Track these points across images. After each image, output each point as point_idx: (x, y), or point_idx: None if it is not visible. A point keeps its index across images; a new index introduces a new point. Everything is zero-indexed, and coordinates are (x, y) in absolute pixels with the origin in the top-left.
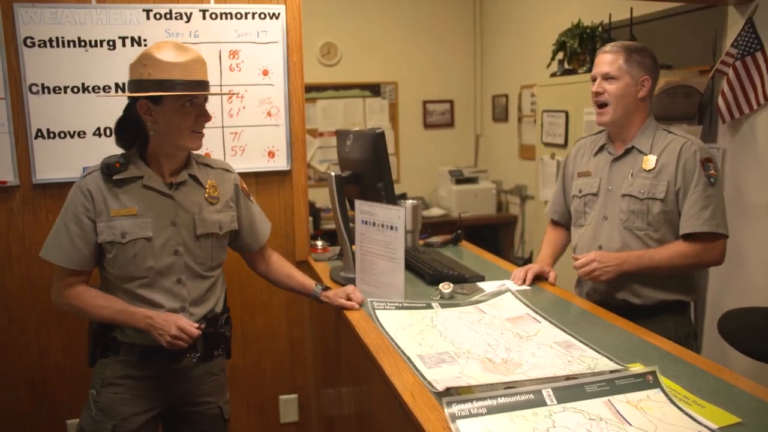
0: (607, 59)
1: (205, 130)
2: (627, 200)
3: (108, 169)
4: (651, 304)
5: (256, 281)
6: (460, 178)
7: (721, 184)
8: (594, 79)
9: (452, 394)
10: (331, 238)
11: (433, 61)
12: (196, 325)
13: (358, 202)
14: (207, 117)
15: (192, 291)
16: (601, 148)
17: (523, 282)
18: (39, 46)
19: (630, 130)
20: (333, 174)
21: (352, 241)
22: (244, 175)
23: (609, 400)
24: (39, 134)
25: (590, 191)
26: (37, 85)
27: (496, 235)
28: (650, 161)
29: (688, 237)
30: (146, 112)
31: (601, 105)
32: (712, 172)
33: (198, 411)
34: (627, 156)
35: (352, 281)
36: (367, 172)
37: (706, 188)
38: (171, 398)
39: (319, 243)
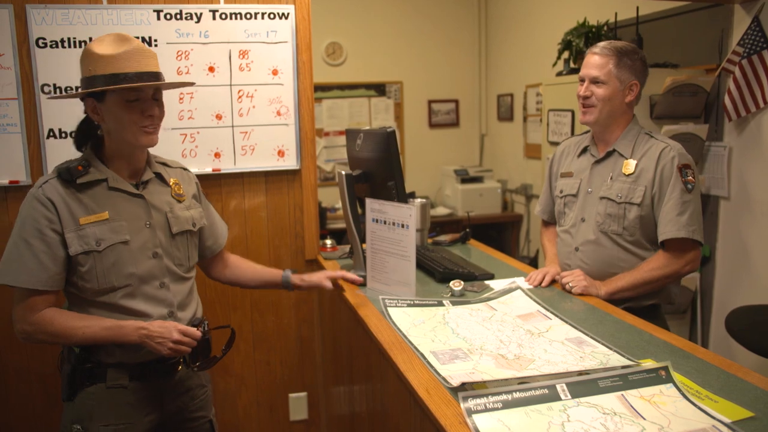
0: (597, 62)
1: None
2: (604, 203)
3: (69, 173)
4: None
5: None
6: (465, 178)
7: (699, 191)
8: (582, 80)
9: (467, 389)
10: (337, 237)
11: (438, 61)
12: (194, 328)
13: (369, 201)
14: (153, 112)
15: (177, 294)
16: (585, 150)
17: (539, 284)
18: (51, 46)
19: (613, 133)
20: (344, 173)
21: (362, 240)
22: (254, 174)
23: (622, 394)
24: (51, 134)
25: (570, 192)
26: (49, 85)
27: (502, 234)
28: (630, 165)
29: (663, 244)
30: (93, 111)
31: (587, 105)
32: (690, 178)
33: (191, 427)
34: (608, 159)
35: (363, 279)
36: (378, 170)
37: (683, 194)
38: (164, 417)
39: (329, 242)
